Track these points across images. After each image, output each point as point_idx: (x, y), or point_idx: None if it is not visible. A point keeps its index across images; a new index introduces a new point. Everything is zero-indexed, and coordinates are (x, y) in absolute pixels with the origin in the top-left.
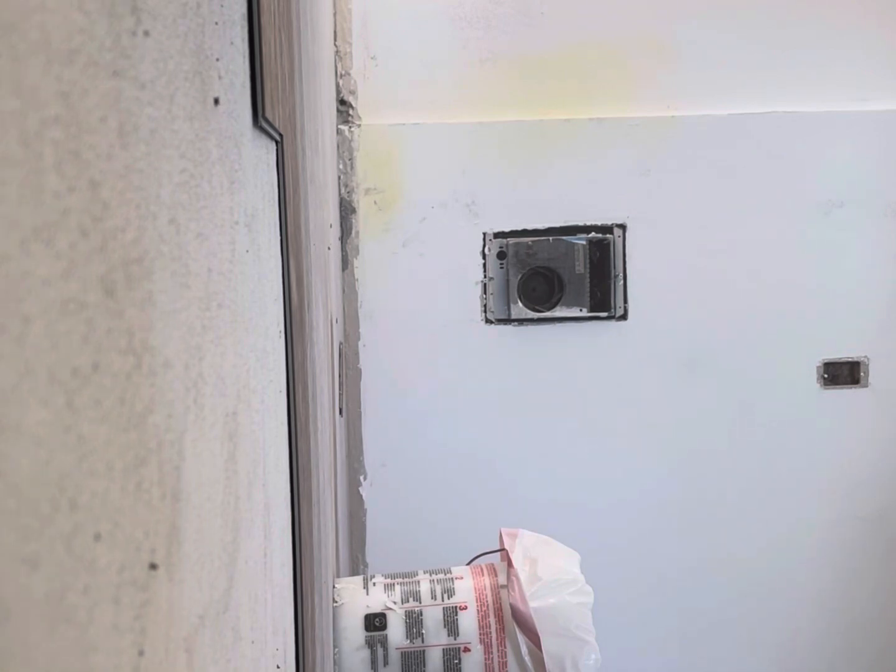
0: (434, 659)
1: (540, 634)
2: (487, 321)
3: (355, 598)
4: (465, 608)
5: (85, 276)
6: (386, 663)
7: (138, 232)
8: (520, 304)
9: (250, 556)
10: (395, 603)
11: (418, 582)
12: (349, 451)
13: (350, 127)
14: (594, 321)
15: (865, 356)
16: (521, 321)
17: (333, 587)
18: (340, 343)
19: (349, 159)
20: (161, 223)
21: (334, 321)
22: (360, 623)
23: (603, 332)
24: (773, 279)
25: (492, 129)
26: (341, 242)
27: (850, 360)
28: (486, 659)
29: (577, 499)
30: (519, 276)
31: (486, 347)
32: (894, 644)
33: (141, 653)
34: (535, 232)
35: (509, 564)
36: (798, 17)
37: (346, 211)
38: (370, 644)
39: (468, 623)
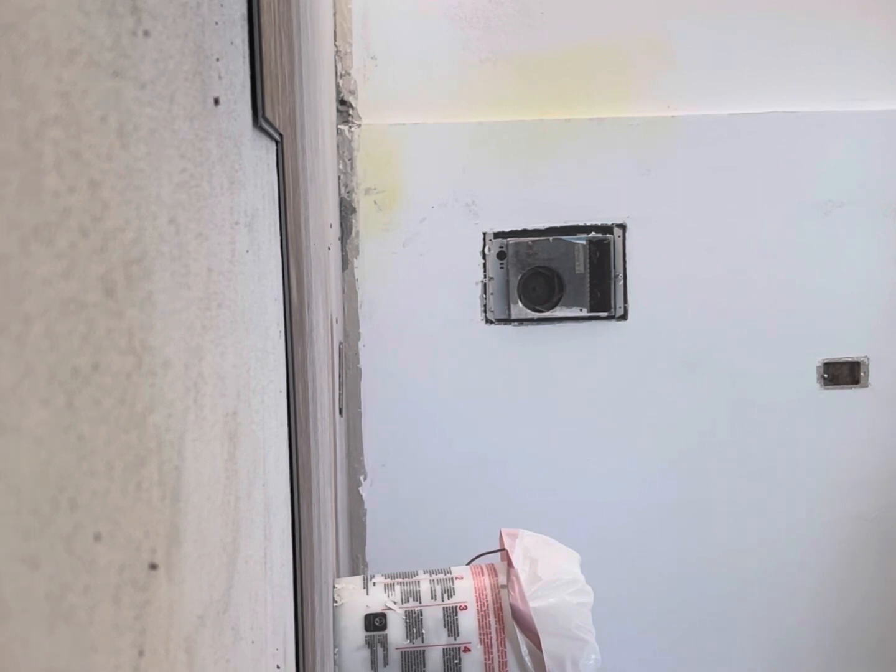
0: (434, 659)
1: (540, 634)
2: (487, 321)
3: (355, 598)
4: (465, 608)
5: (85, 276)
6: (386, 663)
7: (138, 232)
8: (520, 304)
9: (250, 556)
10: (395, 603)
11: (418, 582)
12: (349, 451)
13: (350, 127)
14: (594, 321)
15: (865, 356)
16: (522, 321)
17: (333, 587)
18: (340, 343)
19: (349, 159)
20: (161, 223)
21: (334, 321)
22: (360, 623)
23: (603, 332)
24: (774, 279)
25: (492, 129)
26: (341, 242)
27: (850, 360)
28: (486, 659)
29: (578, 498)
30: (519, 276)
31: (486, 347)
32: (890, 642)
33: (141, 653)
34: (535, 232)
35: (509, 564)
36: (797, 17)
37: (346, 211)
38: (370, 644)
39: (468, 623)
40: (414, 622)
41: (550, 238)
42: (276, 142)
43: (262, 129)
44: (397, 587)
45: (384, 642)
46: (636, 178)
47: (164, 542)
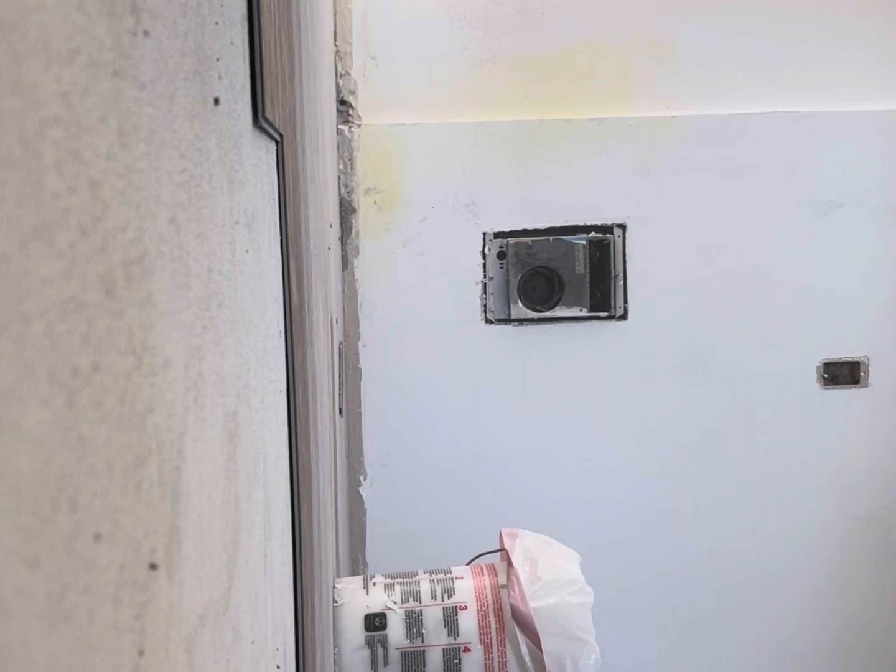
0: (434, 659)
1: (540, 634)
2: (487, 321)
3: (355, 598)
4: (466, 608)
5: (85, 276)
6: (386, 663)
7: (138, 232)
8: (520, 304)
9: (250, 556)
10: (395, 603)
11: (418, 582)
12: (349, 451)
13: (350, 127)
14: (594, 321)
15: (865, 356)
16: (521, 321)
17: (333, 587)
18: (340, 343)
19: (349, 159)
20: (161, 223)
21: (334, 321)
22: (360, 623)
23: (603, 332)
24: (774, 279)
25: (492, 129)
26: (341, 242)
27: (850, 360)
28: (486, 659)
29: (577, 498)
30: (519, 276)
31: (486, 347)
32: (890, 642)
33: (141, 653)
34: (535, 232)
35: (509, 564)
36: (798, 17)
37: (346, 211)
38: (370, 644)
39: (468, 623)
40: (414, 622)
41: (550, 238)
42: (276, 142)
43: (262, 129)
44: (397, 587)
45: (384, 642)
46: (636, 178)
47: (164, 542)
